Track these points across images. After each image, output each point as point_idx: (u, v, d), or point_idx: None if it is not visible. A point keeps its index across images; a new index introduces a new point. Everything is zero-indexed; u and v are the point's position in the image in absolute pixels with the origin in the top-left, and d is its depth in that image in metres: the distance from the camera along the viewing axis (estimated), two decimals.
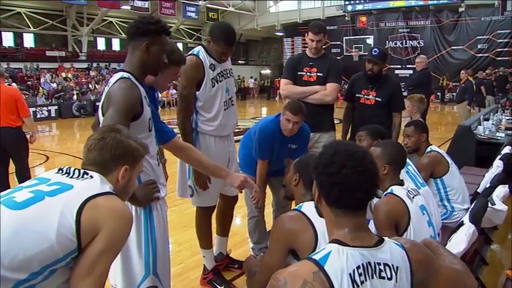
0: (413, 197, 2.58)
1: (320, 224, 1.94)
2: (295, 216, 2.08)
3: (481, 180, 4.34)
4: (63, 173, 1.75)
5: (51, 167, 8.81)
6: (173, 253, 4.18)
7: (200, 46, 3.38)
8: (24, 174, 5.58)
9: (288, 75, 4.35)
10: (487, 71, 17.34)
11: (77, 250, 1.58)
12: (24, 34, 26.55)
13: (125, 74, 2.29)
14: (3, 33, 25.60)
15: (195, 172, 3.37)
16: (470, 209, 3.04)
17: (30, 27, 26.18)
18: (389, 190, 2.59)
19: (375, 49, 4.53)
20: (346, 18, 29.97)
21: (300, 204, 2.17)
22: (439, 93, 25.59)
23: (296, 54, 4.50)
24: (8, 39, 26.02)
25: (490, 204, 3.09)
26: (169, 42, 2.46)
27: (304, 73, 4.27)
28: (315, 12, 30.78)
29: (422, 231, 2.47)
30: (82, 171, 1.75)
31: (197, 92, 3.33)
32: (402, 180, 2.71)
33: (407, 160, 3.33)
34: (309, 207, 2.09)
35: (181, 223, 4.94)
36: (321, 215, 1.72)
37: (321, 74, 4.22)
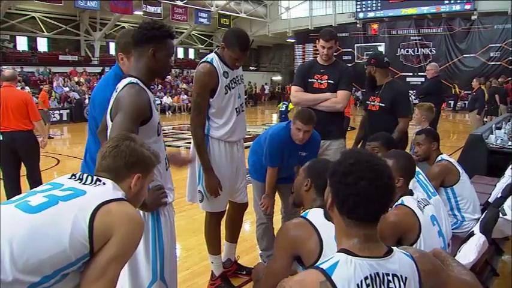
0: (423, 207, 2.54)
1: (325, 231, 1.93)
2: (299, 223, 2.07)
3: (492, 189, 4.29)
4: (76, 178, 1.77)
5: (62, 170, 8.88)
6: (181, 258, 4.19)
7: (213, 53, 3.38)
8: (35, 178, 5.62)
9: (299, 82, 4.33)
10: (499, 79, 17.17)
11: (89, 255, 1.59)
12: (38, 38, 26.84)
13: (133, 80, 2.30)
14: (17, 37, 25.93)
15: (206, 178, 3.38)
16: (481, 219, 3.01)
17: (44, 32, 26.44)
18: (399, 201, 2.55)
19: (368, 55, 4.57)
20: (358, 25, 29.91)
21: (307, 211, 2.16)
22: (450, 102, 25.43)
23: (307, 61, 4.51)
24: (22, 44, 26.31)
25: (501, 215, 3.05)
26: (173, 44, 2.47)
27: (315, 80, 4.25)
28: (327, 19, 30.78)
29: (433, 242, 2.43)
30: (95, 177, 1.78)
31: (211, 99, 3.33)
32: (411, 190, 2.68)
33: (418, 169, 3.30)
34: (315, 214, 2.08)
35: (190, 228, 4.94)
36: (329, 219, 1.70)
37: (331, 82, 4.20)
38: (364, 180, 1.41)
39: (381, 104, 4.43)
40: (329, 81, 4.21)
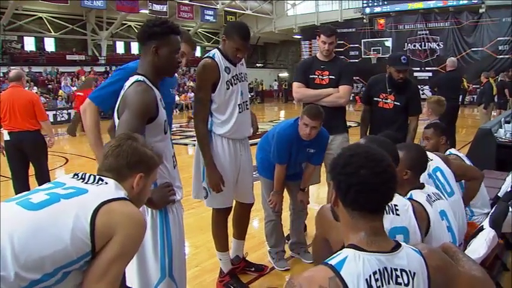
0: (433, 202, 2.52)
1: None
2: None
3: (502, 184, 4.26)
4: (79, 178, 1.78)
5: (70, 169, 8.92)
6: (190, 256, 4.20)
7: (216, 49, 3.40)
8: (43, 177, 5.64)
9: (300, 79, 4.36)
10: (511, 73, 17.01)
11: (90, 253, 1.60)
12: (45, 38, 27.00)
13: (140, 77, 2.31)
14: (25, 37, 26.10)
15: (208, 174, 3.39)
16: (490, 214, 2.99)
17: (51, 32, 26.60)
18: (408, 195, 2.53)
19: (403, 57, 4.36)
20: (364, 20, 29.77)
21: None
22: (459, 96, 25.20)
23: (307, 57, 4.56)
24: (30, 44, 26.50)
25: (510, 209, 3.03)
26: (177, 40, 2.45)
27: (316, 76, 4.28)
28: (333, 14, 30.70)
29: (442, 237, 2.42)
30: (97, 177, 1.79)
31: (212, 94, 3.34)
32: (423, 183, 2.65)
33: (439, 164, 3.26)
34: None
35: (198, 226, 4.95)
36: (337, 219, 1.71)
37: (332, 77, 4.23)
38: (363, 169, 1.45)
39: (396, 103, 4.40)
40: (330, 76, 4.25)
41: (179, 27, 2.51)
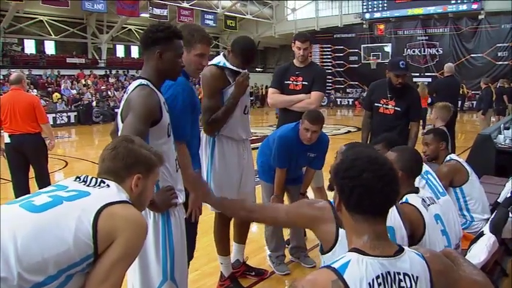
0: (428, 206, 2.54)
1: None
2: (322, 206, 2.05)
3: (501, 189, 4.27)
4: (81, 181, 1.79)
5: (70, 172, 8.92)
6: None
7: (221, 56, 3.43)
8: (44, 180, 5.65)
9: (275, 85, 4.44)
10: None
11: (93, 255, 1.60)
12: (45, 41, 26.97)
13: (143, 81, 2.33)
14: (25, 40, 26.06)
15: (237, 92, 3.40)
16: (490, 219, 3.00)
17: (51, 35, 26.57)
18: (404, 199, 2.54)
19: (402, 62, 4.43)
20: (364, 26, 29.84)
21: None
22: (458, 101, 25.20)
23: (284, 64, 4.65)
24: (30, 47, 26.45)
25: (510, 215, 3.04)
26: (181, 44, 2.46)
27: (291, 82, 4.36)
28: (333, 20, 30.76)
29: (436, 241, 2.44)
30: (99, 180, 1.79)
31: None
32: (417, 188, 2.67)
33: (428, 169, 3.28)
34: None
35: (199, 230, 4.91)
36: (340, 225, 1.71)
37: (306, 83, 4.30)
38: (366, 172, 1.46)
39: (396, 108, 4.44)
40: (304, 82, 4.32)
41: (180, 31, 2.52)
